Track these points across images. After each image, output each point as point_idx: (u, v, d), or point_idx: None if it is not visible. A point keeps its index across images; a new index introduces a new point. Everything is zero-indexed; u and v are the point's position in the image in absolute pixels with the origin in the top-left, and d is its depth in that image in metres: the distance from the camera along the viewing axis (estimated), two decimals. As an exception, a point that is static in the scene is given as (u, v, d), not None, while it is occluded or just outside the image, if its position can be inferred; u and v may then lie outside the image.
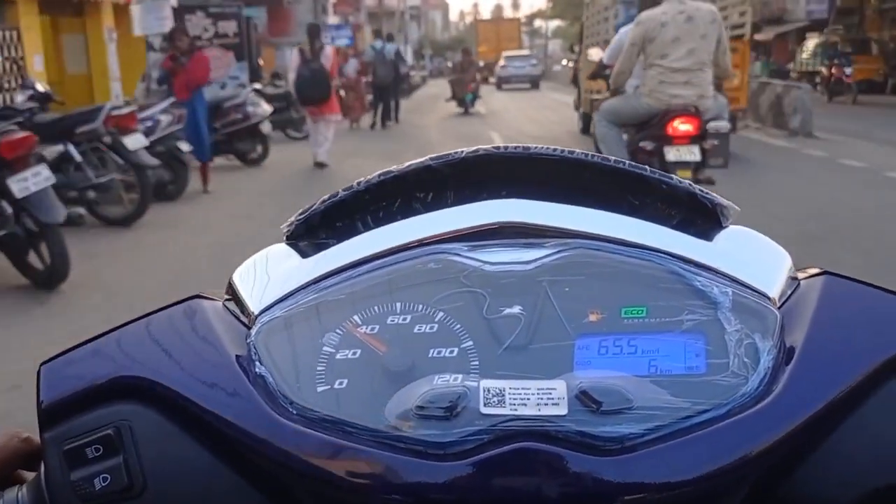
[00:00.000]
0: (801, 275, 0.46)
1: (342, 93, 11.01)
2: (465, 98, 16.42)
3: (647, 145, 4.24)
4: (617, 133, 4.45)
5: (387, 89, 13.45)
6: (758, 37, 24.45)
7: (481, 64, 24.04)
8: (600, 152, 2.20)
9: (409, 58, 30.18)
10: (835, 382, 0.38)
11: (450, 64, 28.43)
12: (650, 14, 4.18)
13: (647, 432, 0.37)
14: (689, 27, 4.02)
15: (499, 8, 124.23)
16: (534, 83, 25.89)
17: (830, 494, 0.39)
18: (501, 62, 29.31)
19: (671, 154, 4.08)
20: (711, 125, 4.33)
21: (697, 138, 4.08)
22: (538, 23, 58.54)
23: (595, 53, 5.76)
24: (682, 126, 4.05)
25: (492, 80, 29.51)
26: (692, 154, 4.07)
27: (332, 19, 27.63)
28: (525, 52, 30.08)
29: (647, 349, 0.39)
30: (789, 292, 0.44)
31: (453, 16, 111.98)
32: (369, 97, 14.21)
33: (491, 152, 0.46)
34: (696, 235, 0.45)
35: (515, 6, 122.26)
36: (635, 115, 4.24)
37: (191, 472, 0.40)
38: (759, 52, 25.14)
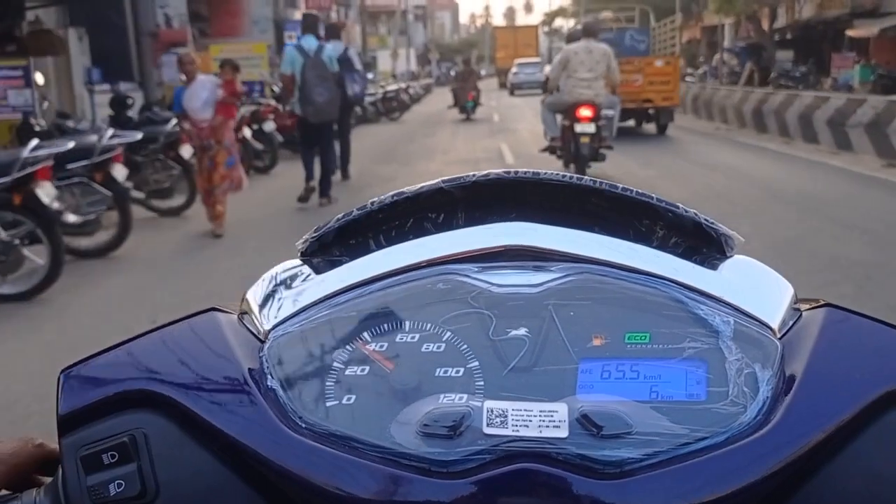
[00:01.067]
0: (803, 306, 0.47)
1: (184, 151, 6.62)
2: (466, 105, 18.08)
3: (566, 122, 7.82)
4: (552, 116, 8.29)
5: (325, 129, 7.26)
6: (852, 33, 20.49)
7: (483, 73, 28.88)
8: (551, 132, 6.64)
9: (356, 63, 10.18)
10: (832, 413, 0.40)
11: (452, 73, 29.07)
12: (568, 47, 7.95)
13: (646, 457, 0.39)
14: (589, 57, 7.59)
15: (511, 10, 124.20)
16: (544, 88, 27.63)
17: None
18: (514, 69, 32.17)
19: (578, 127, 7.49)
20: (603, 112, 7.74)
21: (593, 119, 7.50)
22: (559, 21, 60.86)
23: (548, 70, 9.55)
24: (584, 112, 7.52)
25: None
26: (590, 128, 7.47)
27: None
28: (536, 59, 31.85)
29: (649, 375, 0.41)
30: (791, 323, 0.45)
31: (463, 18, 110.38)
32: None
33: (501, 177, 0.49)
34: (700, 264, 0.47)
35: (528, 8, 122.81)
36: (562, 105, 7.88)
37: (202, 481, 0.42)
38: (857, 52, 20.37)
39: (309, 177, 7.14)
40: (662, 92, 12.54)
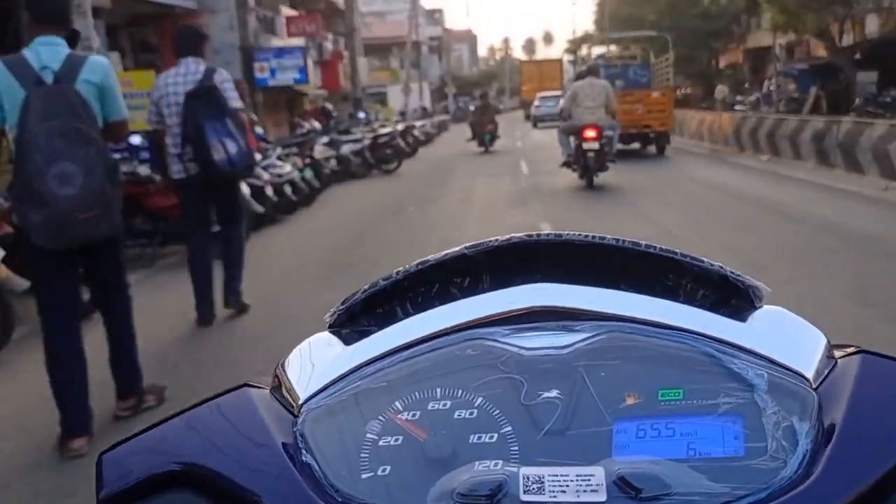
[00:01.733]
0: (837, 353, 0.47)
1: None
2: (483, 138, 18.63)
3: (574, 141, 9.90)
4: (566, 138, 10.17)
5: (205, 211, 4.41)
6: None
7: (502, 106, 30.82)
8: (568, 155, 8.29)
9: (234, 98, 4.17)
10: (875, 465, 0.39)
11: (471, 108, 28.79)
12: (576, 84, 10.34)
13: None
14: (592, 90, 9.84)
15: (531, 42, 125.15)
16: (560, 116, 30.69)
17: None
18: (536, 102, 33.86)
19: (585, 145, 9.66)
20: (605, 133, 9.79)
21: (597, 138, 9.63)
22: (585, 50, 64.45)
23: (562, 102, 11.64)
24: (589, 132, 9.66)
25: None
26: (595, 145, 9.63)
27: (286, 41, 17.50)
28: (558, 92, 32.79)
29: (685, 432, 0.41)
30: (826, 372, 0.45)
31: (481, 51, 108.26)
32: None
33: (524, 240, 0.50)
34: (729, 316, 0.47)
35: (548, 40, 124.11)
36: (573, 128, 9.94)
37: None
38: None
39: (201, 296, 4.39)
40: (659, 119, 15.02)
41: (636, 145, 15.55)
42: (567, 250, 0.50)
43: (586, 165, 9.56)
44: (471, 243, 0.50)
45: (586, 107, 9.62)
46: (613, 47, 23.22)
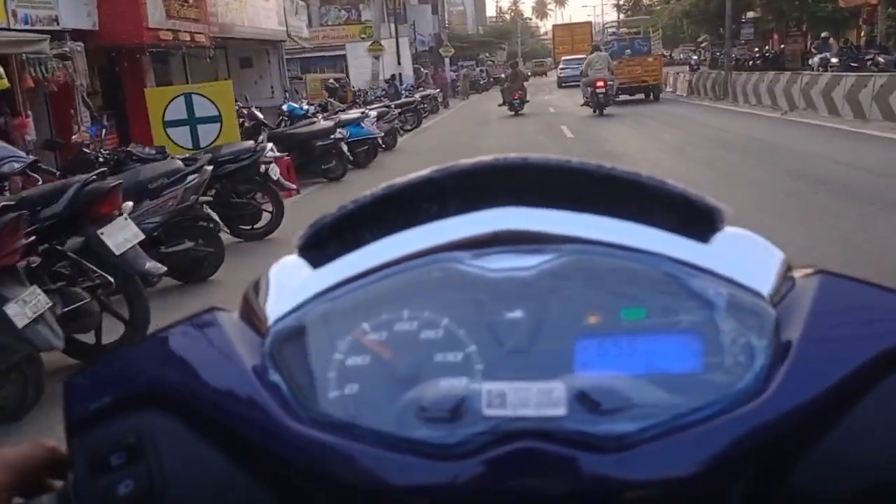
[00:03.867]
0: (796, 273, 0.49)
1: None
2: (513, 103, 23.15)
3: (590, 90, 20.14)
4: (586, 88, 20.51)
5: None
6: None
7: (530, 74, 33.74)
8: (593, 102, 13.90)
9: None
10: (830, 377, 0.42)
11: (503, 75, 28.57)
12: (590, 56, 21.27)
13: (645, 430, 0.41)
14: (599, 59, 20.41)
15: (541, 3, 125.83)
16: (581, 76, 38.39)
17: (829, 490, 0.42)
18: (561, 65, 42.01)
19: (597, 91, 19.79)
20: (608, 83, 19.95)
21: (604, 87, 19.91)
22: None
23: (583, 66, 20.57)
24: (599, 83, 19.91)
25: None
26: (603, 90, 19.79)
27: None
28: (581, 56, 36.85)
29: (646, 349, 0.44)
30: (785, 291, 0.47)
31: (489, 10, 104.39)
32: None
33: (490, 163, 0.51)
34: (692, 237, 0.49)
35: (560, 1, 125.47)
36: (589, 82, 20.14)
37: (209, 477, 0.45)
38: None
39: None
40: (653, 75, 24.83)
41: (640, 96, 25.01)
42: (533, 174, 0.51)
43: (598, 102, 19.85)
44: (438, 167, 0.52)
45: (597, 69, 19.97)
46: (624, 29, 34.45)
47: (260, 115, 11.28)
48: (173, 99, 9.27)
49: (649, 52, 25.47)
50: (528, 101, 23.98)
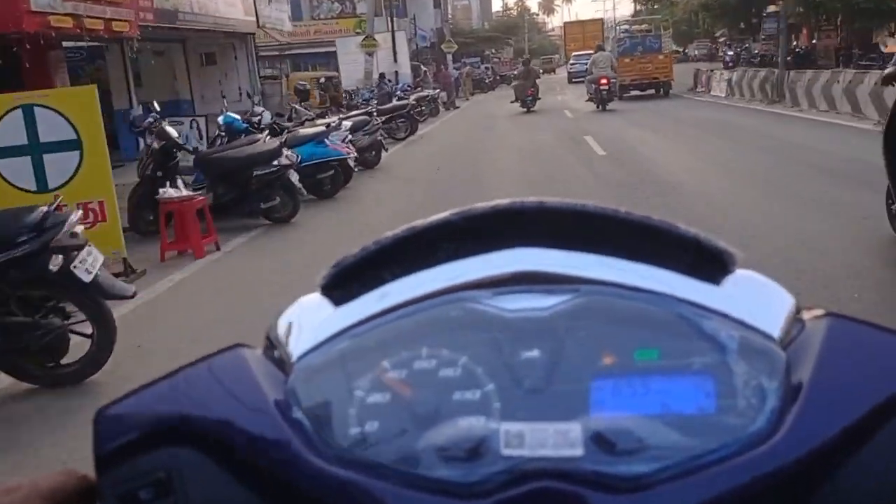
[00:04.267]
0: (806, 315, 0.51)
1: None
2: (525, 100, 23.75)
3: (594, 86, 21.94)
4: (590, 85, 22.57)
5: None
6: None
7: (541, 72, 32.15)
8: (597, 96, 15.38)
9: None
10: (840, 420, 0.43)
11: (514, 73, 30.21)
12: (595, 55, 23.38)
13: (660, 471, 0.42)
14: (603, 58, 22.40)
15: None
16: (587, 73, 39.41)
17: None
18: (571, 61, 42.81)
19: (601, 87, 21.50)
20: (611, 81, 21.80)
21: (607, 84, 21.57)
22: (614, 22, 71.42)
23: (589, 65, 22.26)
24: (602, 80, 21.60)
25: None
26: (606, 87, 21.42)
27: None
28: (589, 51, 38.71)
29: (660, 390, 0.45)
30: (795, 333, 0.48)
31: (495, 4, 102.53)
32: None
33: (507, 207, 0.53)
34: (703, 280, 0.50)
35: None
36: (594, 79, 21.96)
37: None
38: None
39: None
40: (663, 72, 25.97)
41: (651, 91, 26.06)
42: (549, 216, 0.53)
43: (601, 98, 21.57)
44: (456, 210, 0.53)
45: (601, 67, 21.91)
46: (637, 26, 34.08)
47: (172, 133, 8.01)
48: (4, 114, 6.04)
49: (660, 50, 26.30)
50: (539, 99, 24.23)
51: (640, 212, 0.53)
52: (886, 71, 5.86)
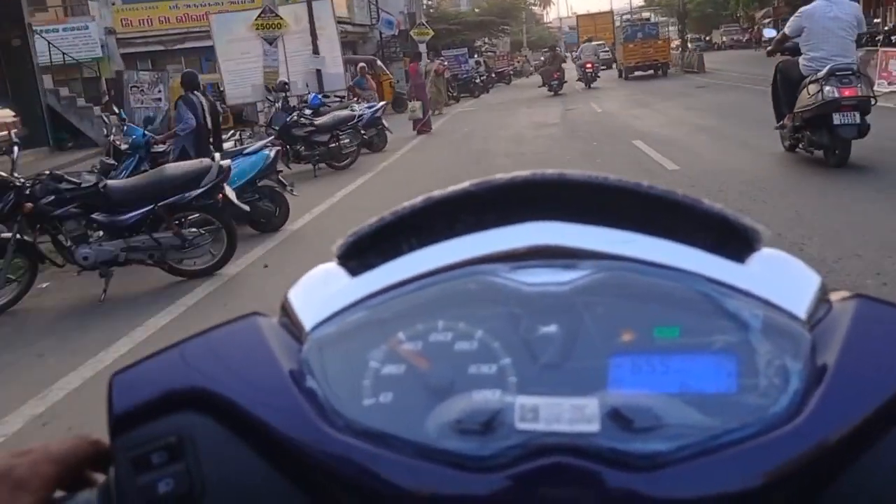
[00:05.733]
0: (833, 297, 0.49)
1: None
2: (552, 84, 25.63)
3: (581, 69, 28.73)
4: (579, 68, 29.78)
5: None
6: None
7: (584, 54, 32.54)
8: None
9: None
10: (865, 404, 0.42)
11: (542, 59, 31.44)
12: (583, 45, 30.85)
13: (678, 450, 0.41)
14: (590, 48, 29.65)
15: None
16: (605, 64, 40.79)
17: None
18: (581, 51, 46.21)
19: (588, 69, 28.45)
20: (595, 65, 28.88)
21: (591, 67, 28.26)
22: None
23: (579, 52, 28.65)
24: (587, 64, 27.86)
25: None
26: (591, 69, 27.90)
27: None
28: (601, 41, 42.05)
29: (680, 368, 0.44)
30: (821, 315, 0.47)
31: None
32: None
33: (528, 178, 0.52)
34: (727, 257, 0.49)
35: None
36: (581, 63, 28.26)
37: (246, 479, 0.46)
38: None
39: None
40: (662, 55, 30.45)
41: (651, 72, 30.42)
42: (569, 189, 0.52)
43: (587, 78, 27.17)
44: (476, 180, 0.52)
45: (587, 55, 27.94)
46: (638, 16, 38.75)
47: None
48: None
49: (657, 36, 31.81)
50: (566, 82, 26.61)
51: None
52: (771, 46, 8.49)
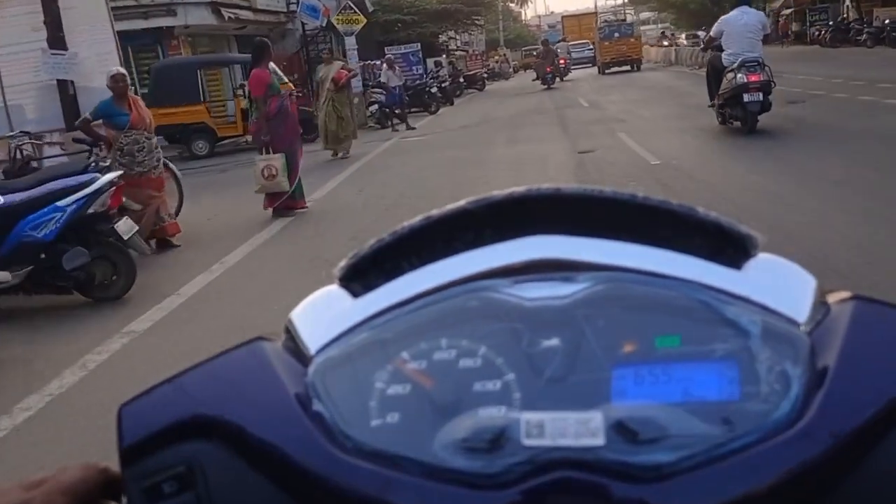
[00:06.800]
0: (830, 298, 0.49)
1: None
2: (545, 77, 26.34)
3: (541, 71, 28.93)
4: (537, 69, 29.92)
5: None
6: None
7: (560, 52, 34.32)
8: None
9: None
10: (866, 407, 0.42)
11: (536, 54, 32.63)
12: (559, 43, 35.94)
13: (683, 459, 0.42)
14: (565, 47, 34.63)
15: None
16: (591, 62, 43.83)
17: None
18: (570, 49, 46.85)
19: (561, 65, 31.13)
20: (552, 69, 28.47)
21: (549, 71, 27.91)
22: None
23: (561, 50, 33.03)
24: (548, 68, 27.85)
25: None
26: (549, 73, 27.91)
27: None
28: (584, 41, 45.97)
29: (682, 377, 0.44)
30: (819, 317, 0.48)
31: None
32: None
33: (524, 194, 0.52)
34: (725, 265, 0.50)
35: None
36: (541, 65, 28.44)
37: None
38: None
39: None
40: (635, 52, 34.20)
41: (626, 67, 33.45)
42: (565, 203, 0.52)
43: (545, 79, 26.79)
44: (472, 198, 0.53)
45: (561, 53, 29.20)
46: (612, 16, 42.36)
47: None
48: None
49: (632, 35, 35.42)
50: (558, 77, 27.88)
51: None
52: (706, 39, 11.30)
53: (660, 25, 74.02)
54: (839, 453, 0.42)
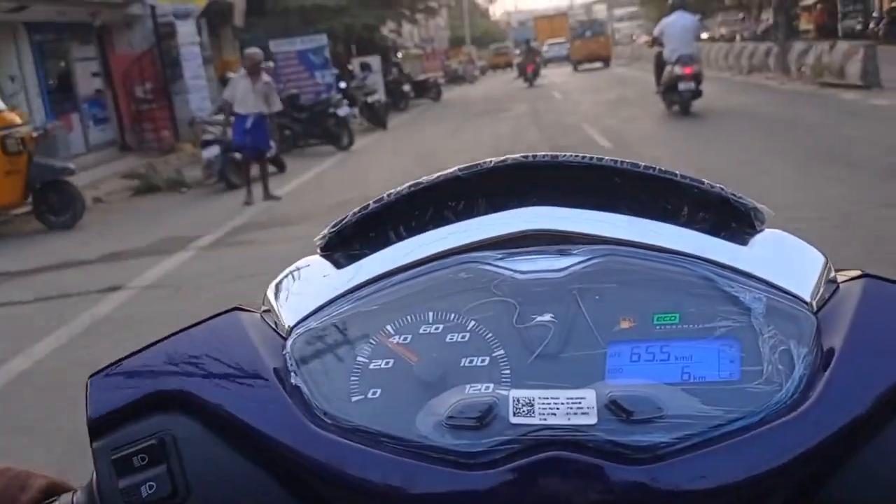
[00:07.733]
0: (840, 277, 0.47)
1: None
2: (527, 75, 26.68)
3: (523, 70, 29.39)
4: (518, 68, 31.00)
5: None
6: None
7: (544, 49, 37.97)
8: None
9: None
10: (873, 389, 0.40)
11: (518, 52, 33.46)
12: (523, 48, 30.24)
13: (679, 441, 0.40)
14: (531, 52, 29.21)
15: None
16: (567, 59, 44.04)
17: (862, 501, 0.41)
18: (545, 47, 47.92)
19: (528, 73, 28.95)
20: (538, 66, 29.82)
21: (531, 70, 27.93)
22: (598, 7, 77.27)
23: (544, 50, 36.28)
24: (529, 67, 28.03)
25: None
26: (532, 72, 28.19)
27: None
28: (562, 39, 47.24)
29: (680, 356, 0.42)
30: (827, 296, 0.45)
31: None
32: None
33: (519, 161, 0.49)
34: (729, 239, 0.47)
35: None
36: (522, 64, 29.57)
37: (231, 480, 0.44)
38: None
39: None
40: (605, 49, 35.63)
41: (598, 64, 34.77)
42: (563, 172, 0.50)
43: (526, 77, 26.72)
44: (465, 165, 0.50)
45: (528, 59, 26.47)
46: (582, 18, 43.55)
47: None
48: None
49: (602, 34, 37.52)
50: (539, 76, 28.04)
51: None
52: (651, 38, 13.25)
53: (634, 22, 78.28)
54: (842, 437, 0.40)
